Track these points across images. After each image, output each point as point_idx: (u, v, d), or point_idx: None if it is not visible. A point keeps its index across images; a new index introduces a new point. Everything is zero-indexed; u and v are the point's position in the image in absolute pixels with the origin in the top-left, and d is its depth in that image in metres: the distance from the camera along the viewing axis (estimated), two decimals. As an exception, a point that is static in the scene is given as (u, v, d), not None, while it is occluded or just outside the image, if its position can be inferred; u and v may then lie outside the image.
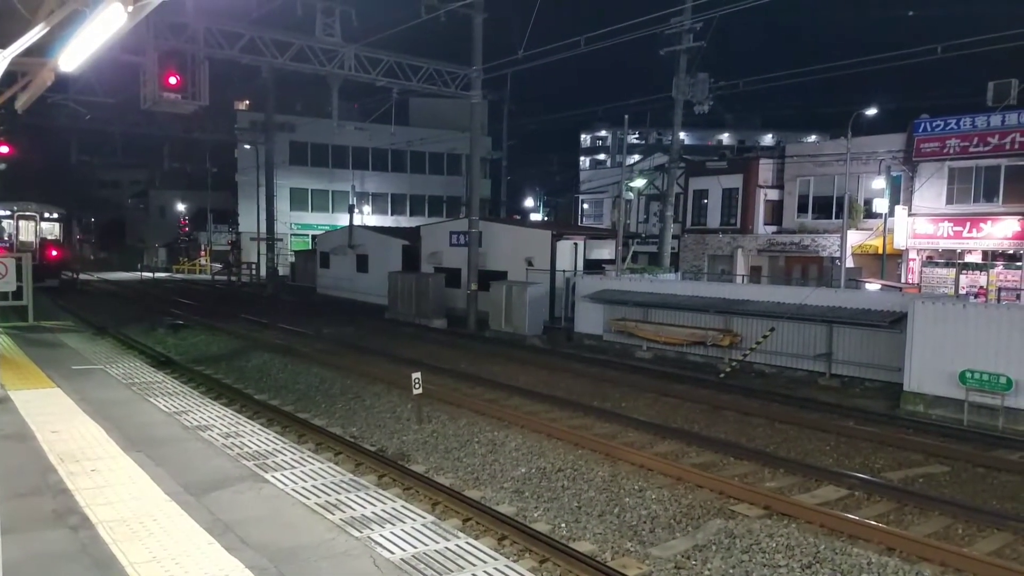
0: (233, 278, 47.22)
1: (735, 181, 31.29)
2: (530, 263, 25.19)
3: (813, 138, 53.08)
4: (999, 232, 24.03)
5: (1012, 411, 12.50)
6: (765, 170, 30.92)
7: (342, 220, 46.01)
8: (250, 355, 18.82)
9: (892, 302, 15.88)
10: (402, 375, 14.34)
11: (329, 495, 6.42)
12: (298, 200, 53.45)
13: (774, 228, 30.50)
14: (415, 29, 21.14)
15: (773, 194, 30.70)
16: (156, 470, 6.88)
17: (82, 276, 39.13)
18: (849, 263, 26.03)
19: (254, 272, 47.14)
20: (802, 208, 29.74)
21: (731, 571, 7.10)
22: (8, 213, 29.91)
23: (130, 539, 5.32)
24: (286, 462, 7.38)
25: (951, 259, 24.72)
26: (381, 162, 55.50)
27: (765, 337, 17.32)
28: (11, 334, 15.46)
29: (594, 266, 26.71)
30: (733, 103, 52.19)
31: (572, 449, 10.91)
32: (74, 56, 6.74)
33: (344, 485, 6.74)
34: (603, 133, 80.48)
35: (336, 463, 9.05)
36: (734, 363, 17.52)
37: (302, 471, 7.10)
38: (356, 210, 43.62)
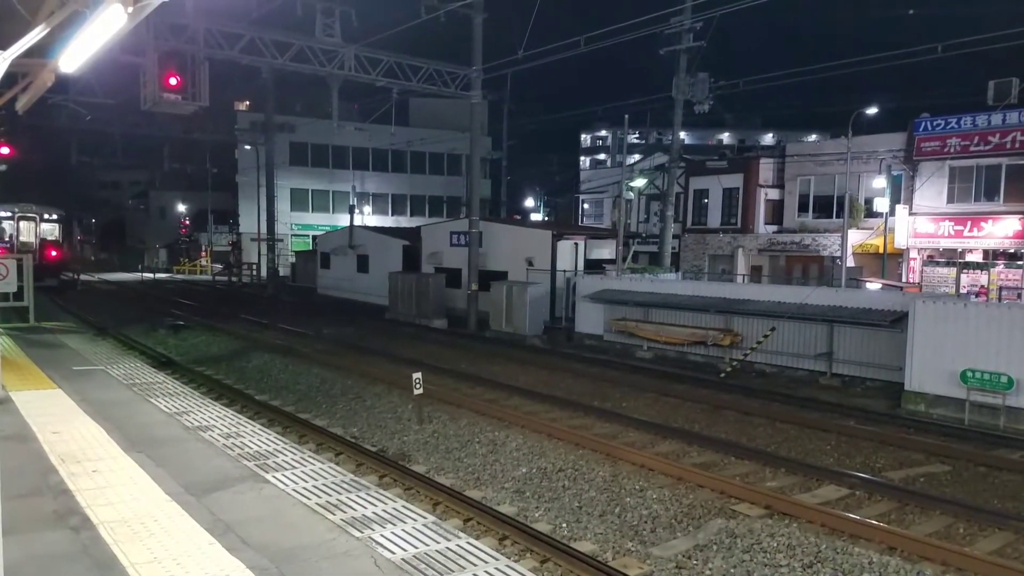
0: (234, 279, 47.25)
1: (735, 181, 31.29)
2: (530, 263, 25.19)
3: (813, 137, 53.05)
4: (1000, 231, 24.02)
5: (1013, 410, 12.49)
6: (765, 169, 30.92)
7: (342, 220, 46.01)
8: (251, 356, 18.82)
9: (893, 301, 15.87)
10: (403, 375, 14.34)
11: (330, 495, 6.42)
12: (298, 200, 53.47)
13: (775, 227, 30.49)
14: (415, 29, 21.16)
15: (774, 193, 30.69)
16: (157, 471, 6.88)
17: (83, 277, 39.12)
18: (850, 262, 26.03)
19: (255, 273, 47.16)
20: (803, 207, 29.74)
21: (732, 571, 7.09)
22: (9, 214, 29.95)
23: (131, 540, 5.32)
24: (287, 462, 7.38)
25: (952, 258, 24.71)
26: (381, 162, 55.51)
27: (766, 337, 17.31)
28: (12, 335, 15.47)
29: (594, 266, 26.71)
30: (733, 103, 52.27)
31: (573, 449, 10.91)
32: (74, 57, 6.73)
33: (345, 485, 6.74)
34: (603, 133, 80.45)
35: (337, 463, 9.05)
36: (735, 363, 17.51)
37: (303, 471, 7.10)
38: (356, 210, 43.63)
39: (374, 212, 55.21)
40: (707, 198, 32.42)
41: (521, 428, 12.04)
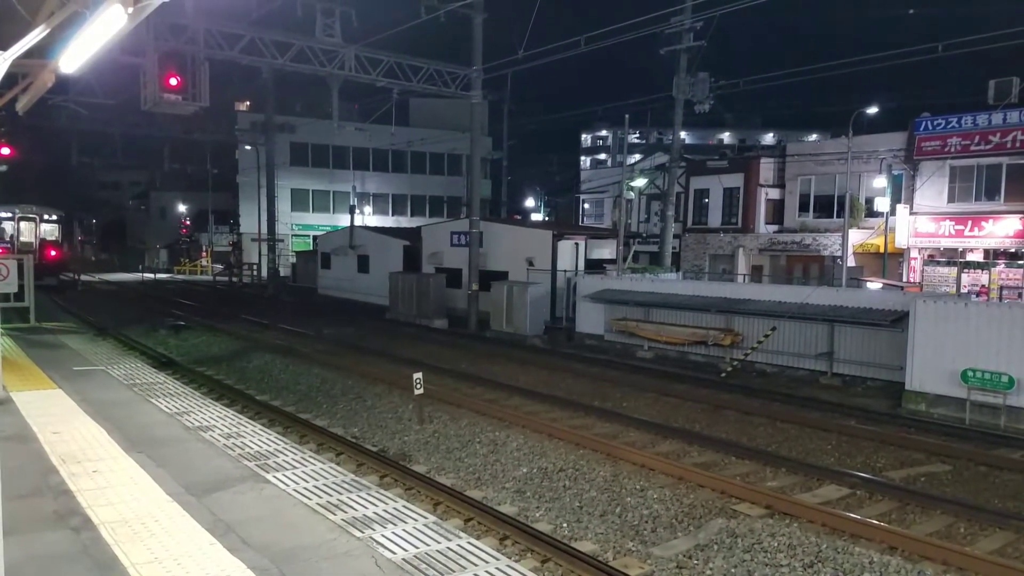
0: (234, 279, 47.26)
1: (736, 180, 31.28)
2: (531, 263, 25.19)
3: (814, 137, 53.05)
4: (1000, 231, 24.01)
5: (1014, 410, 12.49)
6: (766, 169, 30.91)
7: (343, 221, 46.02)
8: (251, 356, 18.83)
9: (893, 301, 15.86)
10: (403, 376, 14.34)
11: (331, 495, 6.42)
12: (299, 201, 53.48)
13: (775, 227, 30.48)
14: (415, 29, 21.15)
15: (774, 193, 30.68)
16: (157, 471, 6.88)
17: (83, 277, 39.13)
18: (850, 262, 26.02)
19: (255, 273, 47.18)
20: (803, 207, 29.73)
21: (733, 570, 7.09)
22: (10, 215, 30.04)
23: (132, 540, 5.32)
24: (287, 463, 7.38)
25: (952, 258, 24.70)
26: (382, 162, 55.52)
27: (766, 336, 17.31)
28: (12, 335, 15.47)
29: (595, 266, 26.70)
30: (733, 102, 52.22)
31: (573, 449, 10.91)
32: (74, 58, 6.73)
33: (346, 485, 6.74)
34: (603, 133, 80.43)
35: (338, 463, 9.05)
36: (735, 362, 17.50)
37: (304, 471, 7.10)
38: (357, 211, 43.62)
39: (374, 212, 55.22)
40: (708, 198, 32.42)
41: (522, 428, 12.03)
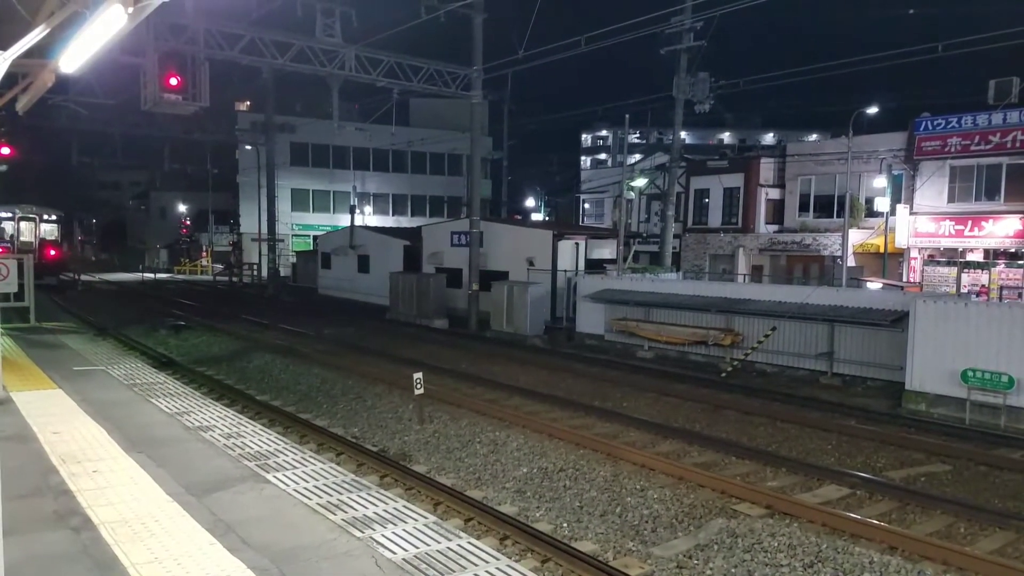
0: (234, 279, 47.28)
1: (736, 180, 31.28)
2: (531, 263, 25.19)
3: (814, 137, 53.07)
4: (1000, 231, 24.01)
5: (1014, 410, 12.48)
6: (766, 169, 30.91)
7: (343, 221, 46.03)
8: (251, 356, 18.83)
9: (894, 301, 15.86)
10: (403, 376, 14.34)
11: (331, 495, 6.42)
12: (299, 201, 53.48)
13: (775, 227, 30.48)
14: (415, 29, 21.15)
15: (774, 193, 30.68)
16: (157, 471, 6.88)
17: (83, 277, 39.15)
18: (851, 262, 26.02)
19: (255, 273, 47.19)
20: (803, 207, 29.72)
21: (733, 570, 7.09)
22: (10, 215, 30.09)
23: (132, 540, 5.32)
24: (288, 463, 7.38)
25: (953, 258, 24.70)
26: (382, 162, 55.53)
27: (767, 336, 17.31)
28: (13, 335, 15.47)
29: (595, 266, 26.71)
30: (734, 102, 52.24)
31: (574, 449, 10.91)
32: (74, 57, 6.73)
33: (346, 485, 6.74)
34: (604, 133, 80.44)
35: (338, 463, 9.05)
36: (735, 362, 17.50)
37: (304, 471, 7.10)
38: (357, 210, 43.64)
39: (375, 212, 55.22)
40: (708, 198, 32.41)
41: (522, 428, 12.03)
